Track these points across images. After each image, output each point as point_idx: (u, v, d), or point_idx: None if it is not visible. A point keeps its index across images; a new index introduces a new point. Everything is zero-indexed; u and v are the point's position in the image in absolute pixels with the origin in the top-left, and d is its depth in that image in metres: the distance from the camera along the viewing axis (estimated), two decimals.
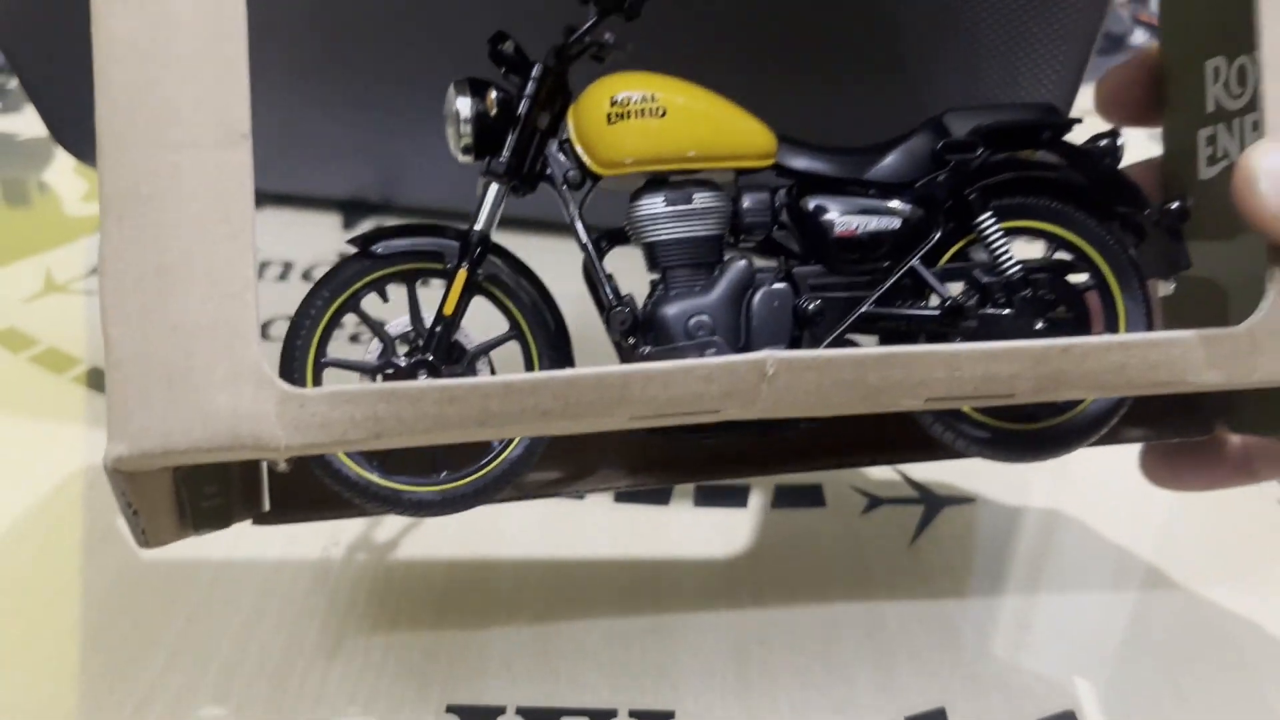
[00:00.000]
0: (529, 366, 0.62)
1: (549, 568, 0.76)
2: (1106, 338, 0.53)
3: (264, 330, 0.87)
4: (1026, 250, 0.63)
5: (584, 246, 0.62)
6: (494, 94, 0.60)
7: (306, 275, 1.11)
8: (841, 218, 0.60)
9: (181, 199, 0.51)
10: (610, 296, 0.61)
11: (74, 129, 0.98)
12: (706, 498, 0.73)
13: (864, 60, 0.89)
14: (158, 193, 0.51)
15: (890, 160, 0.61)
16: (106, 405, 0.51)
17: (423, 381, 0.52)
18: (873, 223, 0.60)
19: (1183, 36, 0.70)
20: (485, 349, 0.62)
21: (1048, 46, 0.87)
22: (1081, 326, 0.61)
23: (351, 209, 1.12)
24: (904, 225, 0.60)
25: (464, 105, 0.60)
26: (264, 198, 1.16)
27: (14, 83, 1.14)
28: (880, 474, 0.69)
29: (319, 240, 1.10)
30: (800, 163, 0.62)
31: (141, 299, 0.51)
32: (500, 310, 0.63)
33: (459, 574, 0.75)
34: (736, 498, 0.70)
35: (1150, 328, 0.62)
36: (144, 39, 0.51)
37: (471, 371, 0.62)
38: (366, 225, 1.08)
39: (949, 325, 0.60)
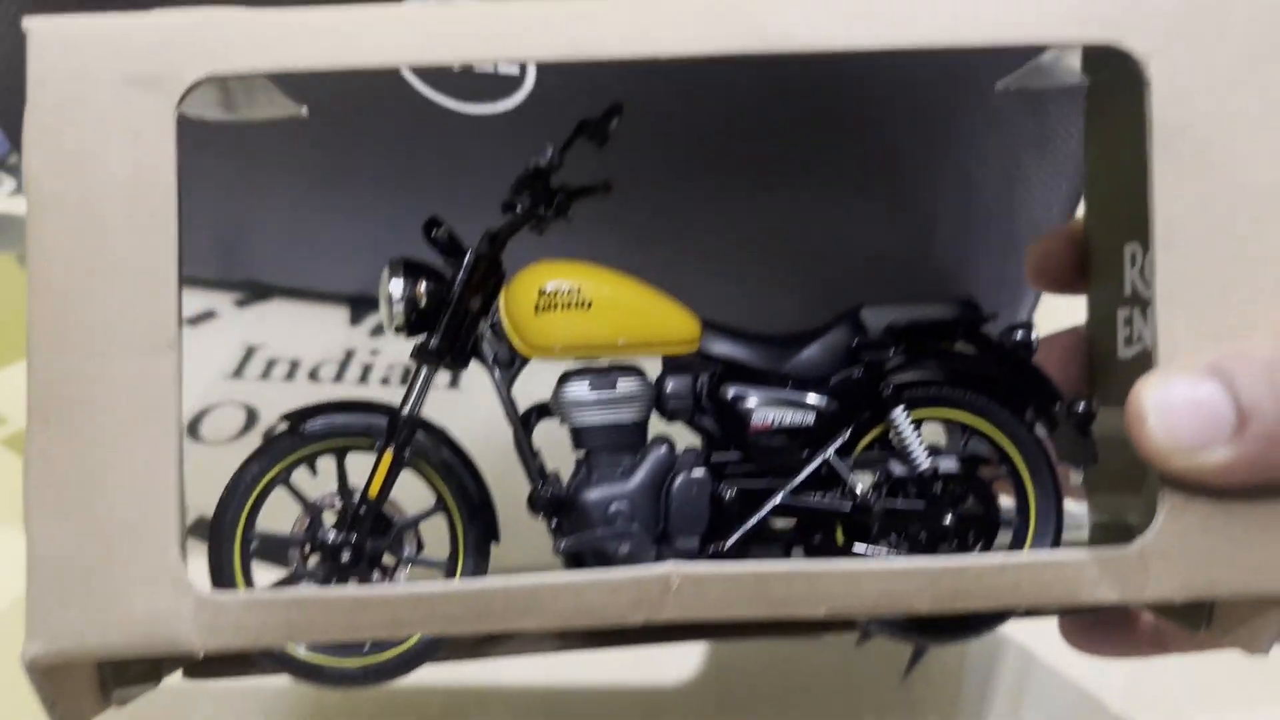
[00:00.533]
0: (452, 539, 0.64)
1: (523, 696, 0.77)
2: (1001, 557, 0.55)
3: (192, 428, 0.88)
4: (938, 434, 0.66)
5: (513, 424, 0.63)
6: (424, 284, 0.61)
7: (313, 374, 1.08)
8: (759, 409, 0.62)
9: (107, 405, 0.52)
10: (534, 476, 0.62)
11: None
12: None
13: (860, 185, 0.91)
14: (84, 397, 0.52)
15: (809, 353, 0.63)
16: (26, 601, 0.52)
17: (333, 591, 0.53)
18: (789, 416, 0.62)
19: (1106, 214, 0.72)
20: (411, 523, 0.64)
21: (1044, 181, 0.89)
22: (990, 519, 0.63)
23: (359, 303, 1.14)
24: (819, 419, 0.62)
25: (396, 287, 0.62)
26: (274, 290, 1.16)
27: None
28: None
29: (326, 335, 1.10)
30: (722, 349, 0.64)
31: (65, 499, 0.52)
32: (426, 484, 0.64)
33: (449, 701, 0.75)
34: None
35: (1059, 517, 0.64)
36: (76, 246, 0.53)
37: (398, 545, 0.63)
38: (373, 320, 1.09)
39: (861, 518, 0.61)
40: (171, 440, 0.52)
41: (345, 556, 0.61)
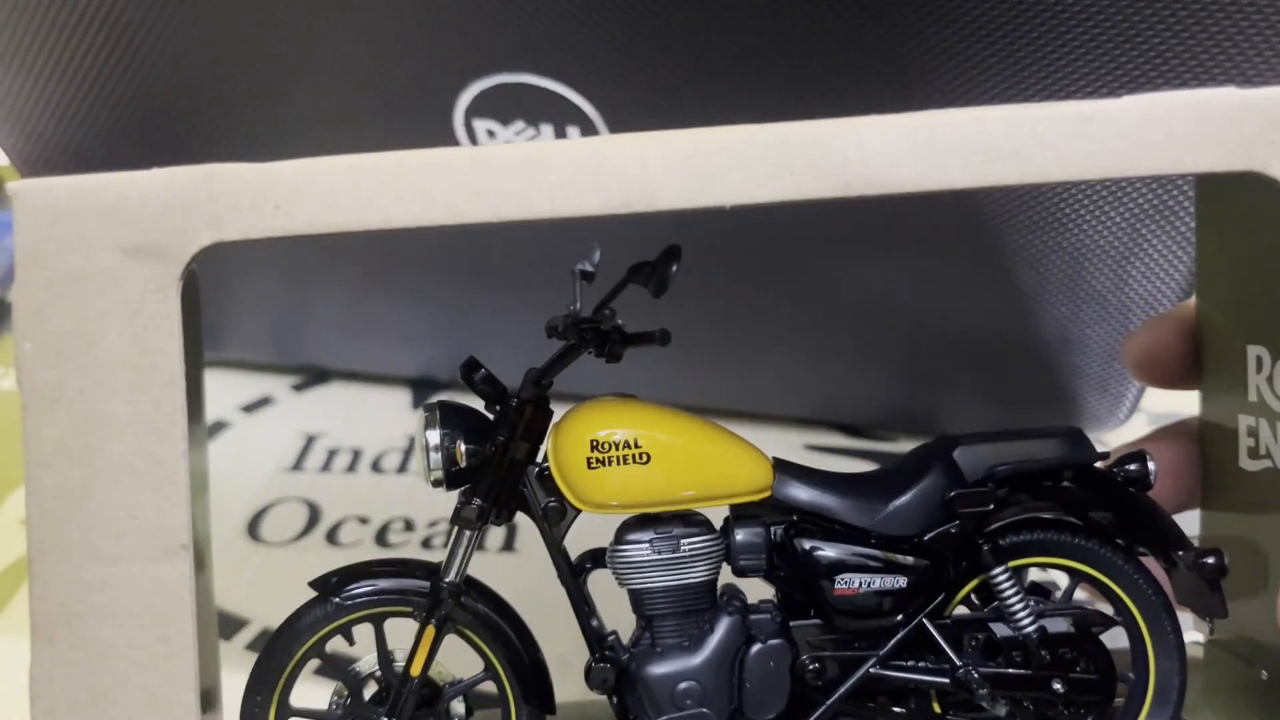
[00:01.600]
0: (504, 708, 0.58)
1: None
2: None
3: (331, 534, 0.79)
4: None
5: (566, 583, 0.57)
6: (463, 442, 0.55)
7: (376, 465, 1.00)
8: (844, 574, 0.55)
9: (116, 617, 0.47)
10: (592, 642, 0.56)
11: None
12: None
13: (957, 253, 0.82)
14: (90, 610, 0.47)
15: (899, 506, 0.56)
16: None
17: None
18: (876, 581, 0.55)
19: (1224, 308, 0.64)
20: (460, 691, 0.58)
21: (1164, 255, 0.81)
22: (1106, 685, 0.56)
23: (420, 385, 1.08)
24: (910, 583, 0.55)
25: (433, 438, 0.56)
26: (332, 373, 1.09)
27: None
28: None
29: (388, 420, 1.04)
30: (799, 497, 0.57)
31: None
32: (474, 649, 0.58)
33: None
34: None
35: (1183, 673, 0.57)
36: (76, 441, 0.47)
37: (445, 715, 0.58)
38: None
39: (960, 690, 0.55)
40: (188, 657, 0.47)
41: None
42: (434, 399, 0.57)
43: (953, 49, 0.66)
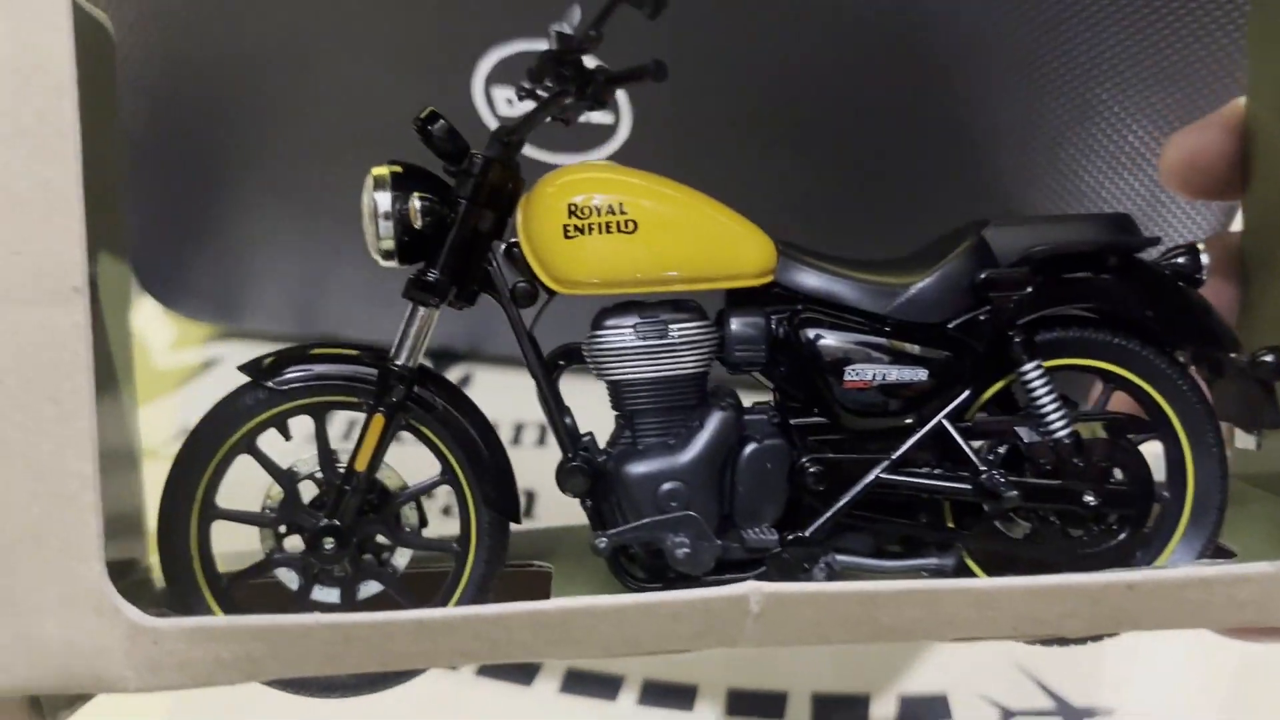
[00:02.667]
0: (464, 515, 0.51)
1: None
2: (1183, 573, 0.42)
3: None
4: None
5: (535, 375, 0.50)
6: (419, 200, 0.47)
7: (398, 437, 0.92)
8: (854, 364, 0.48)
9: None
10: (565, 441, 0.49)
11: (162, 276, 0.92)
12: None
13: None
14: None
15: (921, 289, 0.49)
16: None
17: (308, 618, 0.40)
18: (893, 373, 0.48)
19: (1275, 107, 0.57)
20: (412, 496, 0.51)
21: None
22: (1142, 500, 0.50)
23: (439, 357, 1.01)
24: (931, 376, 0.48)
25: (383, 201, 0.48)
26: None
27: None
28: (1012, 681, 0.56)
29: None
30: (805, 281, 0.49)
31: None
32: (429, 448, 0.51)
33: None
34: (855, 708, 0.56)
35: (1224, 491, 0.51)
36: None
37: (394, 524, 0.51)
38: (456, 375, 0.92)
39: (983, 501, 0.48)
40: (84, 418, 0.39)
41: (329, 544, 0.49)
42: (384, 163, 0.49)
43: None
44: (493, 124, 0.75)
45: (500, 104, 0.73)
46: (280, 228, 0.90)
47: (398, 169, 0.49)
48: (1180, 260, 0.50)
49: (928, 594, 0.40)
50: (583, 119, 0.69)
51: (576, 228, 0.47)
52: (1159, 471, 0.51)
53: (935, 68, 0.67)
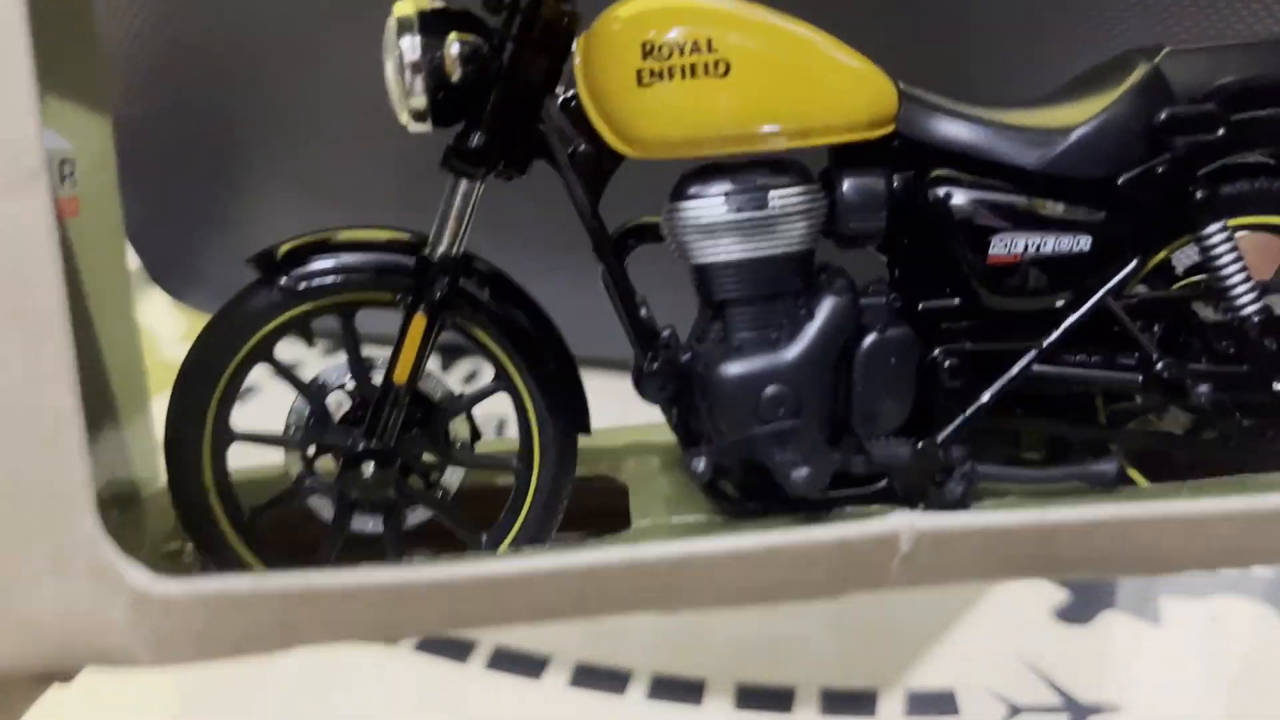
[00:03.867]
0: (524, 426, 0.43)
1: None
2: None
3: None
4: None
5: (604, 258, 0.41)
6: (457, 45, 0.38)
7: None
8: (1000, 235, 0.39)
9: None
10: (640, 340, 0.41)
11: (172, 268, 0.86)
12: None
13: None
14: None
15: (1083, 136, 0.39)
16: None
17: (353, 576, 0.33)
18: (1050, 243, 0.39)
19: None
20: (463, 408, 0.43)
21: None
22: None
23: (449, 351, 0.93)
24: (1096, 245, 0.39)
25: (411, 48, 0.38)
26: (363, 338, 0.98)
27: None
28: (1019, 677, 0.53)
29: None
30: (937, 131, 0.40)
31: None
32: (480, 352, 0.43)
33: None
34: (862, 704, 0.53)
35: None
36: None
37: (443, 441, 0.43)
38: (466, 365, 0.83)
39: (1157, 393, 0.40)
40: (60, 337, 0.31)
41: (370, 469, 0.41)
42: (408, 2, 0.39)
43: None
44: None
45: None
46: (289, 217, 0.84)
47: (426, 5, 0.39)
48: None
49: (1127, 524, 0.32)
50: None
51: (653, 72, 0.38)
52: None
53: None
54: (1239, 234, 0.41)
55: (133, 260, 0.87)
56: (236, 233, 0.82)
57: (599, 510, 0.46)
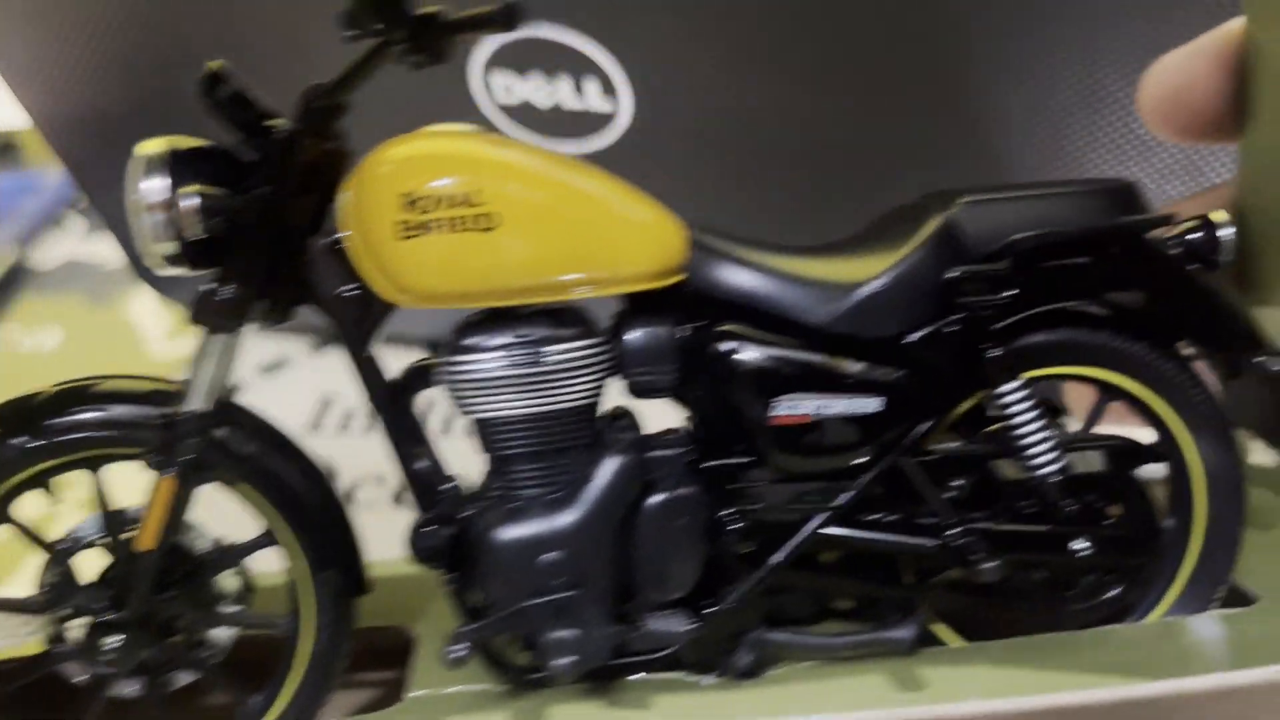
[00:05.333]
0: (295, 590, 0.40)
1: None
2: (1218, 681, 0.32)
3: (348, 495, 0.67)
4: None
5: (379, 407, 0.39)
6: (194, 200, 0.35)
7: None
8: (784, 397, 0.37)
9: None
10: (421, 496, 0.38)
11: None
12: None
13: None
14: None
15: (871, 293, 0.38)
16: None
17: None
18: (835, 405, 0.37)
19: None
20: (229, 563, 0.40)
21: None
22: (1143, 543, 0.40)
23: (440, 348, 0.90)
24: (885, 406, 0.37)
25: (154, 190, 0.35)
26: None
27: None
28: None
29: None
30: (726, 281, 0.38)
31: None
32: (244, 504, 0.40)
33: None
34: None
35: (1241, 518, 0.41)
36: None
37: (206, 599, 0.39)
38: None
39: (951, 566, 0.38)
40: None
41: (114, 641, 0.38)
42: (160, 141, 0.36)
43: None
44: (491, 114, 0.65)
45: (499, 91, 0.64)
46: None
47: (180, 145, 0.36)
48: (1194, 237, 0.40)
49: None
50: (581, 105, 0.62)
51: (415, 225, 0.35)
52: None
53: (943, 55, 0.58)
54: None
55: (119, 257, 0.85)
56: None
57: (381, 663, 0.43)
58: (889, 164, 0.61)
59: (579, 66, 0.62)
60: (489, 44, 0.64)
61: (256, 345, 0.85)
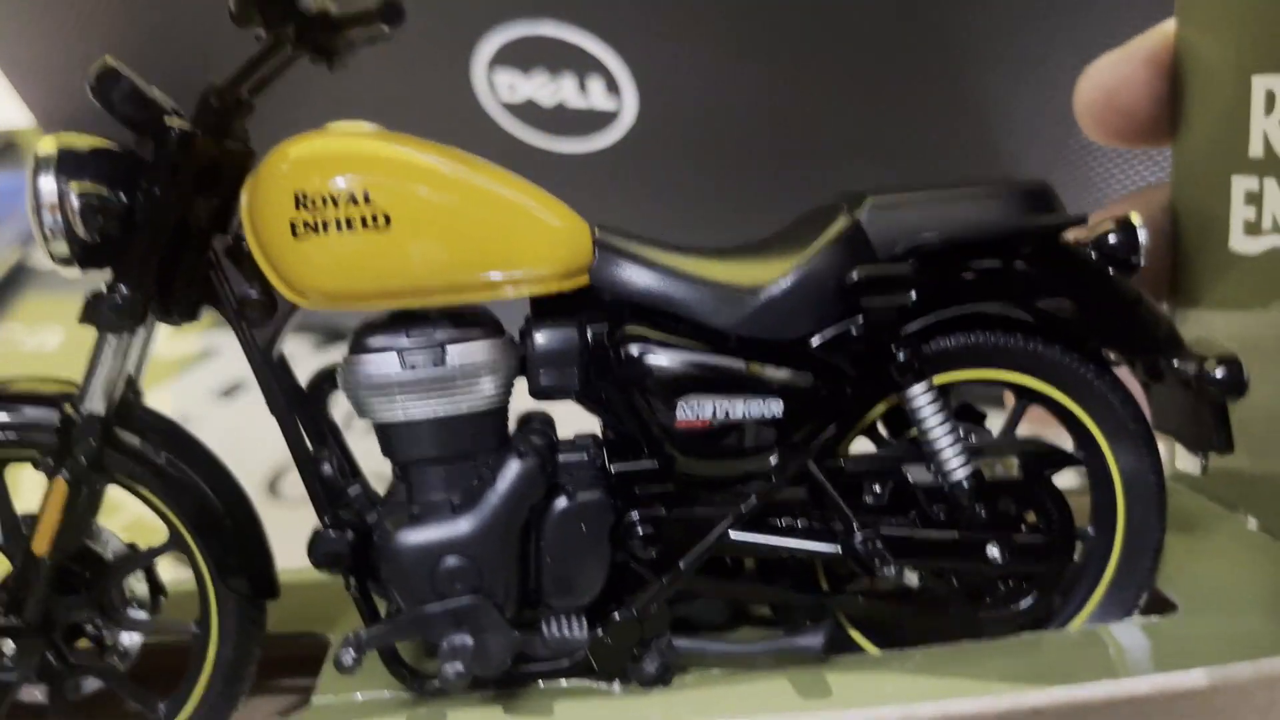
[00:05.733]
0: (200, 589, 0.39)
1: None
2: (1136, 686, 0.32)
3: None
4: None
5: (279, 412, 0.38)
6: (76, 200, 0.34)
7: None
8: (687, 399, 0.37)
9: None
10: (321, 502, 0.38)
11: None
12: None
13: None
14: None
15: (775, 295, 0.37)
16: None
17: None
18: (739, 408, 0.37)
19: (1214, 28, 0.45)
20: (133, 569, 0.39)
21: None
22: (1060, 550, 0.39)
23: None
24: (789, 410, 0.37)
25: (47, 190, 0.35)
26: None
27: None
28: None
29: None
30: (630, 283, 0.38)
31: None
32: (150, 507, 0.39)
33: None
34: None
35: (1162, 527, 0.41)
36: None
37: (112, 603, 0.39)
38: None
39: (857, 570, 0.38)
40: None
41: (10, 648, 0.37)
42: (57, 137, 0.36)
43: None
44: (495, 112, 0.65)
45: (503, 90, 0.64)
46: None
47: (75, 144, 0.36)
48: (1112, 240, 0.39)
49: None
50: (585, 104, 0.63)
51: (306, 224, 0.35)
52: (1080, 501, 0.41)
53: (949, 59, 0.59)
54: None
55: None
56: None
57: (300, 670, 0.43)
58: (895, 161, 0.61)
59: (583, 65, 0.62)
60: (493, 41, 0.64)
61: None
